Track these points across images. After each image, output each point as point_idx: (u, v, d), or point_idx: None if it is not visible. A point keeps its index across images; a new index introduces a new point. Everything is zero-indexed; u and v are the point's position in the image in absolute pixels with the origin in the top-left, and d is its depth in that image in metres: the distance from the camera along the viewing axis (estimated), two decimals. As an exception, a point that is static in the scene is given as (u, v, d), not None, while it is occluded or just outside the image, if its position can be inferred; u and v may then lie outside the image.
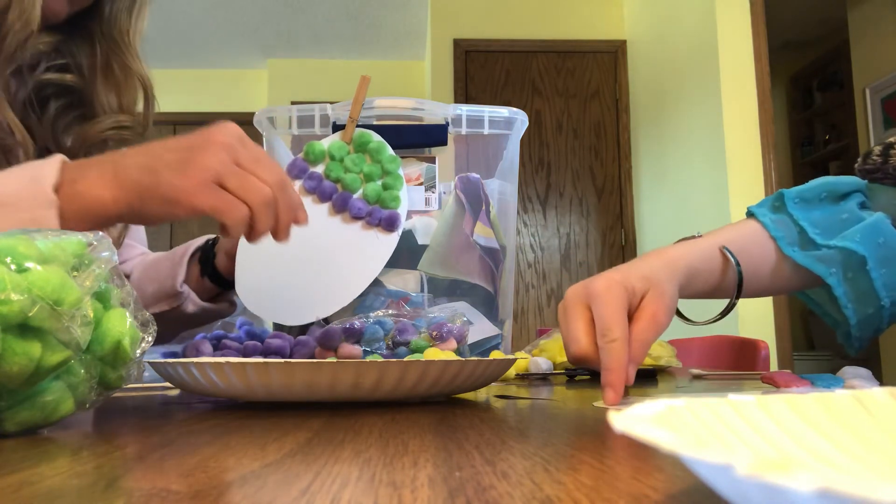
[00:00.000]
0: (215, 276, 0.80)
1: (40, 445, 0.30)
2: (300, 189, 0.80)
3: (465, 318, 0.67)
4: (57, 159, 0.49)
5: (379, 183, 0.80)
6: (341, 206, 0.79)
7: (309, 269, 0.77)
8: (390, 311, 0.67)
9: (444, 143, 0.86)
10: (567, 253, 3.44)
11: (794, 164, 4.72)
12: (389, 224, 0.78)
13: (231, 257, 0.76)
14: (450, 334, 0.62)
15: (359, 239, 0.78)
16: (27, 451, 0.28)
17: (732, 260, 0.62)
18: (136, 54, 0.76)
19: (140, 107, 0.76)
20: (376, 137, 0.81)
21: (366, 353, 0.63)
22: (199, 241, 0.84)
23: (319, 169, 0.80)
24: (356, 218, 0.79)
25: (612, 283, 0.49)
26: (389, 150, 0.81)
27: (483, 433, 0.32)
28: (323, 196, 0.79)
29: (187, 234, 3.24)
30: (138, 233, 0.89)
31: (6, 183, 0.47)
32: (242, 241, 0.75)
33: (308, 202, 0.79)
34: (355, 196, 0.80)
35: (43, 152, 0.68)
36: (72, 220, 0.48)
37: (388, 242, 0.78)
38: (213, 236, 0.84)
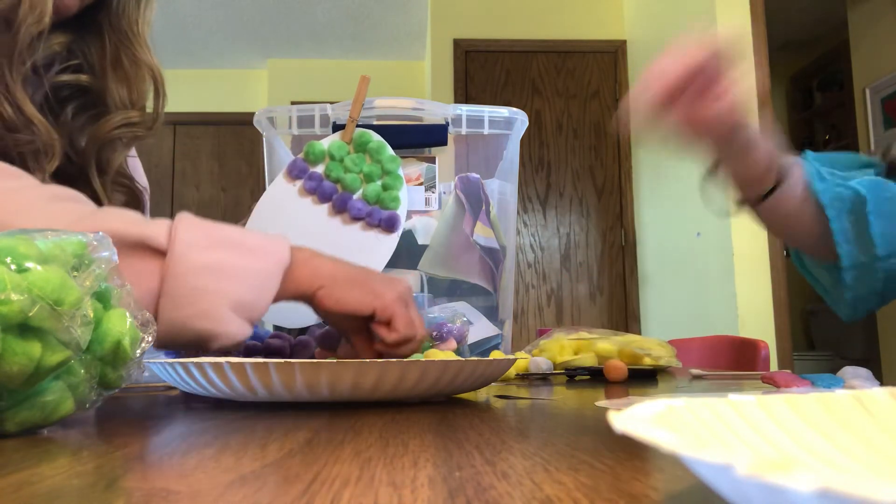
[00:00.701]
0: None
1: (40, 445, 0.30)
2: (300, 189, 0.80)
3: (465, 318, 0.67)
4: (285, 236, 0.57)
5: (379, 183, 0.80)
6: (341, 206, 0.79)
7: None
8: None
9: (444, 143, 0.86)
10: (567, 253, 3.44)
11: (794, 164, 4.72)
12: (389, 225, 0.78)
13: None
14: (450, 334, 0.62)
15: (359, 239, 0.78)
16: (27, 451, 0.28)
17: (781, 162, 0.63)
18: (145, 45, 0.75)
19: (150, 99, 0.76)
20: (376, 137, 0.81)
21: None
22: None
23: (319, 169, 0.80)
24: (356, 219, 0.79)
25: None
26: (389, 150, 0.81)
27: (483, 433, 0.32)
28: (323, 196, 0.79)
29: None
30: None
31: (256, 236, 0.54)
32: None
33: (308, 202, 0.79)
34: (355, 196, 0.80)
35: (61, 155, 0.69)
36: (289, 283, 0.55)
37: (388, 243, 0.78)
38: None
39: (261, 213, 0.79)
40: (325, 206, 0.79)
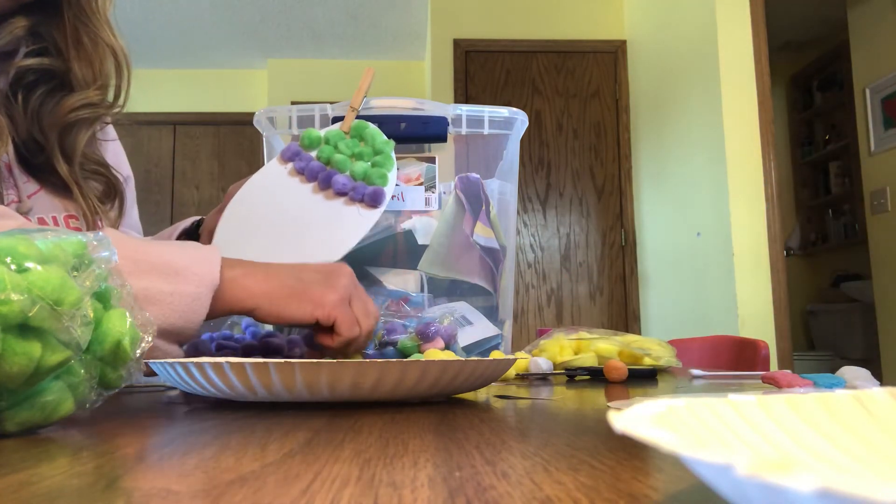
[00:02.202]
0: None
1: (40, 445, 0.30)
2: (291, 170, 0.78)
3: (453, 318, 0.66)
4: (217, 251, 0.55)
5: (368, 163, 0.78)
6: (325, 182, 0.76)
7: (284, 245, 0.74)
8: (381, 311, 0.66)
9: (443, 137, 0.86)
10: (567, 253, 3.44)
11: (794, 164, 4.72)
12: (373, 199, 0.74)
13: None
14: (436, 334, 0.62)
15: (339, 213, 0.75)
16: (27, 451, 0.28)
17: None
18: (105, 23, 0.73)
19: (113, 79, 0.73)
20: (374, 126, 0.80)
21: None
22: (186, 222, 0.84)
23: (313, 153, 0.78)
24: (340, 193, 0.76)
25: None
26: (383, 137, 0.79)
27: (483, 433, 0.32)
28: (310, 176, 0.77)
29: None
30: (131, 219, 0.88)
31: (182, 255, 0.53)
32: (222, 219, 0.75)
33: (296, 181, 0.77)
34: (342, 174, 0.77)
35: (29, 143, 0.67)
36: (219, 302, 0.54)
37: (368, 217, 0.74)
38: (198, 218, 0.83)
39: (247, 192, 0.77)
40: (312, 185, 0.77)
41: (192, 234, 0.81)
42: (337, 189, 0.75)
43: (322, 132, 0.80)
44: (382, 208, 0.74)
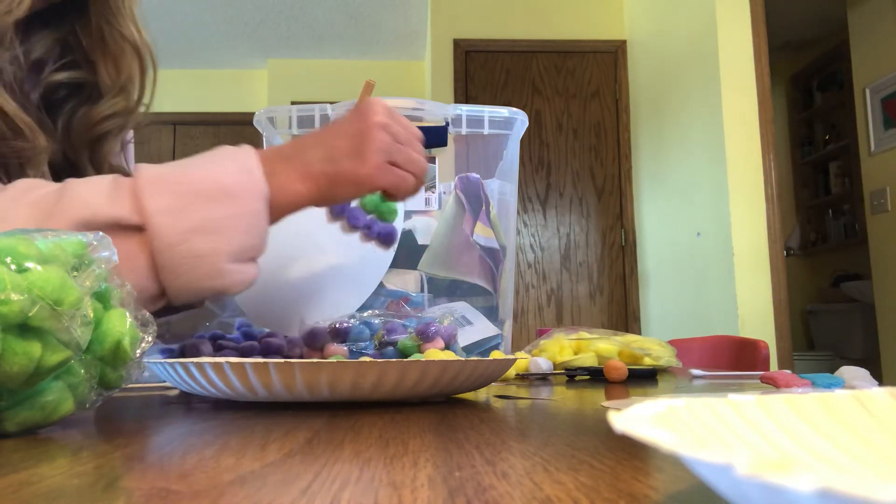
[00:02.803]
0: None
1: (40, 445, 0.30)
2: None
3: (453, 318, 0.66)
4: (250, 151, 0.54)
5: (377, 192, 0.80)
6: (339, 211, 0.78)
7: (307, 281, 0.76)
8: (377, 312, 0.66)
9: (444, 144, 0.86)
10: (567, 253, 3.44)
11: (794, 164, 4.72)
12: (386, 240, 0.77)
13: None
14: (436, 334, 0.61)
15: (359, 251, 0.78)
16: (27, 451, 0.28)
17: None
18: (130, 19, 0.71)
19: (137, 79, 0.72)
20: None
21: (352, 353, 0.62)
22: None
23: None
24: (353, 227, 0.78)
25: None
26: None
27: (483, 433, 0.32)
28: None
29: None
30: None
31: (226, 173, 0.51)
32: None
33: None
34: (353, 204, 0.79)
35: (58, 159, 0.66)
36: (274, 210, 0.53)
37: (385, 258, 0.78)
38: None
39: None
40: (322, 211, 0.79)
41: None
42: (351, 222, 0.77)
43: None
44: (395, 247, 0.77)
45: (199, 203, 0.49)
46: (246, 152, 0.54)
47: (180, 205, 0.48)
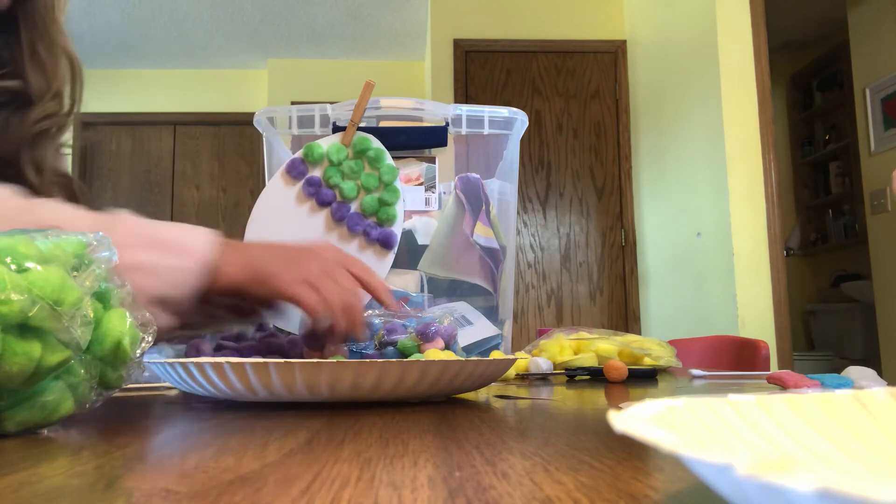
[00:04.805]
0: None
1: (40, 445, 0.30)
2: (299, 194, 0.80)
3: (453, 318, 0.66)
4: (214, 233, 0.60)
5: (376, 195, 0.80)
6: (340, 216, 0.79)
7: None
8: (377, 312, 0.66)
9: (443, 144, 0.86)
10: (567, 253, 3.44)
11: (794, 164, 4.72)
12: (386, 244, 0.78)
13: None
14: (436, 334, 0.62)
15: (359, 258, 0.79)
16: (27, 451, 0.28)
17: None
18: (60, 29, 0.74)
19: (68, 85, 0.75)
20: (376, 143, 0.81)
21: (352, 353, 0.62)
22: None
23: (318, 173, 0.80)
24: (353, 231, 0.79)
25: None
26: (388, 159, 0.81)
27: (483, 433, 0.32)
28: (321, 202, 0.79)
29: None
30: None
31: (184, 235, 0.58)
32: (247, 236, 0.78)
33: (306, 208, 0.79)
34: (353, 208, 0.80)
35: (1, 163, 0.69)
36: (215, 281, 0.58)
37: (385, 261, 0.79)
38: None
39: (260, 215, 0.79)
40: (322, 214, 0.79)
41: None
42: (351, 227, 0.78)
43: (324, 146, 0.80)
44: (395, 251, 0.78)
45: (149, 248, 0.55)
46: (208, 230, 0.60)
47: (134, 243, 0.54)
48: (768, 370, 0.99)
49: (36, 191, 0.70)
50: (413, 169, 0.86)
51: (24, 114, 0.71)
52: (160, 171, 4.77)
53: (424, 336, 0.61)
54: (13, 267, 0.31)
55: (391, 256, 0.78)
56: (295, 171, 0.80)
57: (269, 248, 0.62)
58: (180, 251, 0.56)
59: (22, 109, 0.71)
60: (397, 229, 0.79)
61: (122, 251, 0.51)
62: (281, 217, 0.79)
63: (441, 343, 0.61)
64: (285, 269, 0.60)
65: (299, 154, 0.81)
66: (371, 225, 0.79)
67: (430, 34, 3.79)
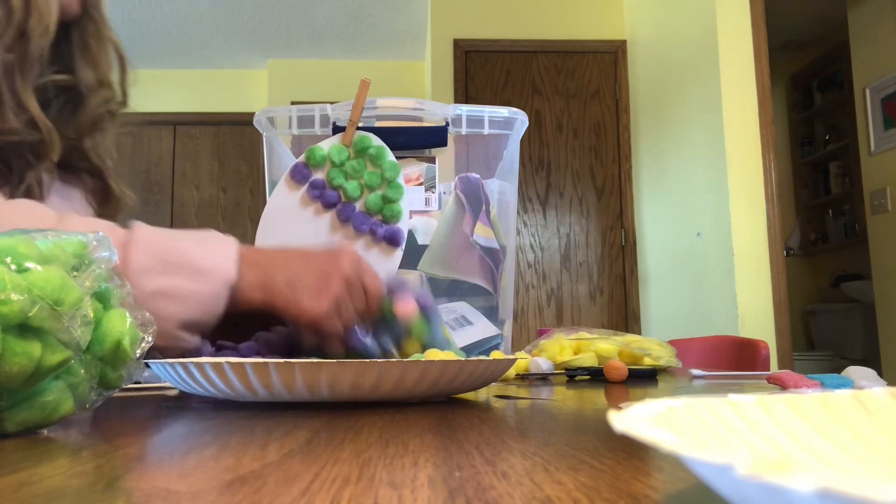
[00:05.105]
0: None
1: (40, 445, 0.30)
2: (303, 197, 0.80)
3: (454, 318, 0.67)
4: (234, 242, 0.60)
5: (380, 193, 0.80)
6: (345, 217, 0.79)
7: None
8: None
9: (444, 144, 0.86)
10: (567, 253, 3.44)
11: (794, 164, 4.72)
12: (393, 241, 0.78)
13: None
14: (402, 288, 0.63)
15: (366, 257, 0.79)
16: (27, 451, 0.28)
17: None
18: (107, 23, 0.78)
19: (116, 74, 0.79)
20: (376, 141, 0.81)
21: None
22: None
23: (321, 175, 0.80)
24: (359, 230, 0.79)
25: None
26: (389, 156, 0.81)
27: (483, 433, 0.32)
28: (326, 204, 0.80)
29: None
30: None
31: (207, 255, 0.57)
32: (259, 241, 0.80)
33: (311, 212, 0.80)
34: (357, 207, 0.80)
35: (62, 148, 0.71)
36: (234, 300, 0.58)
37: (393, 259, 0.79)
38: None
39: (269, 221, 0.80)
40: (329, 216, 0.80)
41: None
42: (357, 227, 0.79)
43: (325, 147, 0.80)
44: (402, 247, 0.78)
45: (174, 272, 0.55)
46: (230, 242, 0.60)
47: (158, 269, 0.54)
48: (768, 370, 0.99)
49: (107, 184, 0.74)
50: (413, 169, 0.86)
51: (77, 107, 0.74)
52: (160, 171, 4.77)
53: (392, 293, 0.63)
54: (13, 267, 0.31)
55: (399, 253, 0.78)
56: (298, 175, 0.80)
57: (291, 264, 0.61)
58: (205, 274, 0.56)
59: (73, 103, 0.74)
60: (403, 226, 0.79)
61: (144, 277, 0.52)
62: (289, 222, 0.80)
63: (412, 301, 0.62)
64: (307, 296, 0.60)
65: (301, 158, 0.81)
66: (377, 223, 0.79)
67: (429, 34, 3.79)
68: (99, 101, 0.75)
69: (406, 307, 0.63)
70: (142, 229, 0.56)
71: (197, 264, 0.56)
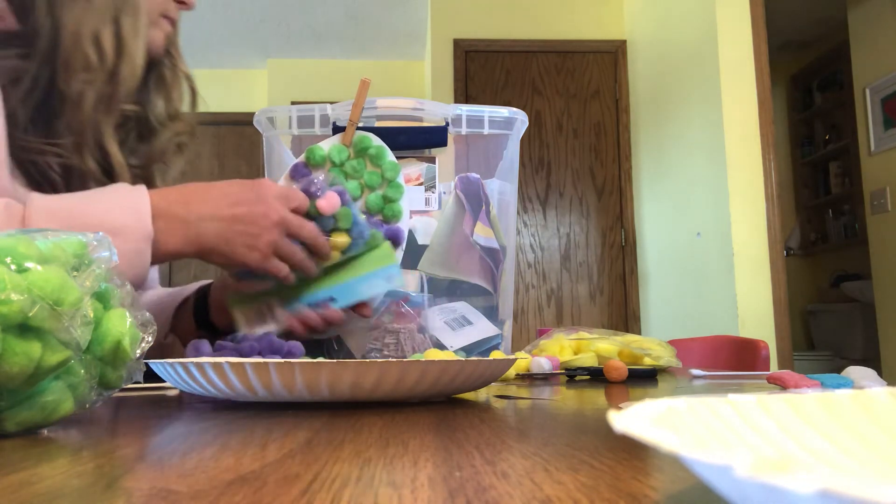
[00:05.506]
0: (210, 327, 0.79)
1: (40, 445, 0.30)
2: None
3: (454, 318, 0.68)
4: (143, 192, 0.58)
5: (380, 193, 0.80)
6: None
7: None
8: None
9: (444, 144, 0.86)
10: (567, 253, 3.44)
11: (794, 164, 4.72)
12: (393, 241, 0.78)
13: (223, 310, 0.75)
14: (320, 187, 0.67)
15: None
16: (27, 451, 0.28)
17: None
18: (180, 53, 0.80)
19: (187, 105, 0.81)
20: (376, 141, 0.81)
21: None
22: (191, 288, 0.84)
23: (321, 175, 0.80)
24: None
25: None
26: (389, 156, 0.81)
27: (483, 433, 0.32)
28: None
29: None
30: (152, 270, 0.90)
31: (112, 211, 0.56)
32: None
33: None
34: (357, 206, 0.80)
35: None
36: (155, 254, 0.58)
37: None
38: (206, 283, 0.83)
39: None
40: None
41: (198, 304, 0.80)
42: None
43: (325, 147, 0.80)
44: (403, 247, 0.78)
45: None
46: (139, 192, 0.59)
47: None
48: (768, 370, 0.99)
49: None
50: (413, 169, 0.86)
51: (147, 137, 0.75)
52: (160, 171, 4.76)
53: (309, 193, 0.66)
54: (13, 267, 0.31)
55: (399, 253, 0.78)
56: (298, 175, 0.80)
57: (218, 215, 0.61)
58: (118, 233, 0.54)
59: (143, 132, 0.76)
60: (404, 225, 0.79)
61: None
62: None
63: (332, 195, 0.66)
64: (249, 249, 0.60)
65: (301, 158, 0.81)
66: (377, 223, 0.79)
67: (429, 34, 3.79)
68: (170, 135, 0.77)
69: (329, 202, 0.66)
70: (37, 199, 0.55)
71: (106, 222, 0.55)
